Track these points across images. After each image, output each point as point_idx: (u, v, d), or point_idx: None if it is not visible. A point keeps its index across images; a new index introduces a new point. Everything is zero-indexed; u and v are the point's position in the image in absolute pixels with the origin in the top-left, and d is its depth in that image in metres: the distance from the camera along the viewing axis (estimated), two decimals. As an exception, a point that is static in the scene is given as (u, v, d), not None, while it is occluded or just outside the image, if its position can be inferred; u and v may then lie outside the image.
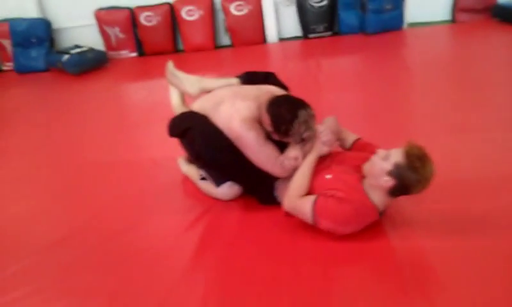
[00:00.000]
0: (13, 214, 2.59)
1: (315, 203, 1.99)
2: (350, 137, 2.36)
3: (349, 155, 2.27)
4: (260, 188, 2.29)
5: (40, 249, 2.22)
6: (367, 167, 2.02)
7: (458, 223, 2.06)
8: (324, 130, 2.16)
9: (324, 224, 2.00)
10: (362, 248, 1.97)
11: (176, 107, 2.85)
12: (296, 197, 2.07)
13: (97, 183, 2.87)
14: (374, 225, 2.05)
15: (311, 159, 2.14)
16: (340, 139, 2.36)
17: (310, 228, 2.06)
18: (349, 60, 5.03)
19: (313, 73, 4.52)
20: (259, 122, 2.18)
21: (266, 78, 2.58)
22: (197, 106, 2.47)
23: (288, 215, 2.14)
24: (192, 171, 2.60)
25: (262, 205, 2.32)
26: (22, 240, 2.32)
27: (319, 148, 2.15)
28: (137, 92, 4.82)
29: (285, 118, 2.06)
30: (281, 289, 1.80)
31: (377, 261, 1.91)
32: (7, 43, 5.87)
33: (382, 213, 2.04)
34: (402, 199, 2.03)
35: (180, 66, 5.78)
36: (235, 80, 2.54)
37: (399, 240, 1.99)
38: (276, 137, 2.16)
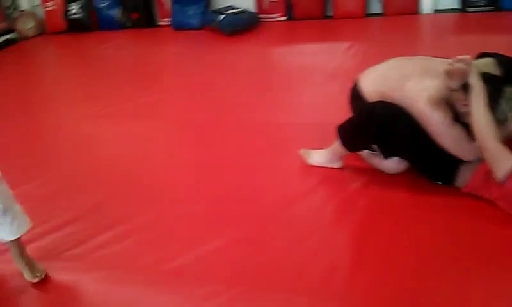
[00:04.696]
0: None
1: None
2: None
3: None
4: (437, 166, 2.20)
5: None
6: None
7: None
8: None
9: None
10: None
11: None
12: (491, 138, 1.90)
13: (252, 145, 2.96)
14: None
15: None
16: None
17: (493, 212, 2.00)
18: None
19: (476, 52, 4.20)
20: (448, 103, 2.09)
21: None
22: (377, 73, 2.40)
23: (469, 194, 2.08)
24: None
25: (433, 184, 2.24)
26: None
27: None
28: (286, 56, 4.89)
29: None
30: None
31: None
32: (166, 0, 6.26)
33: None
34: None
35: (328, 33, 5.72)
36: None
37: None
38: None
